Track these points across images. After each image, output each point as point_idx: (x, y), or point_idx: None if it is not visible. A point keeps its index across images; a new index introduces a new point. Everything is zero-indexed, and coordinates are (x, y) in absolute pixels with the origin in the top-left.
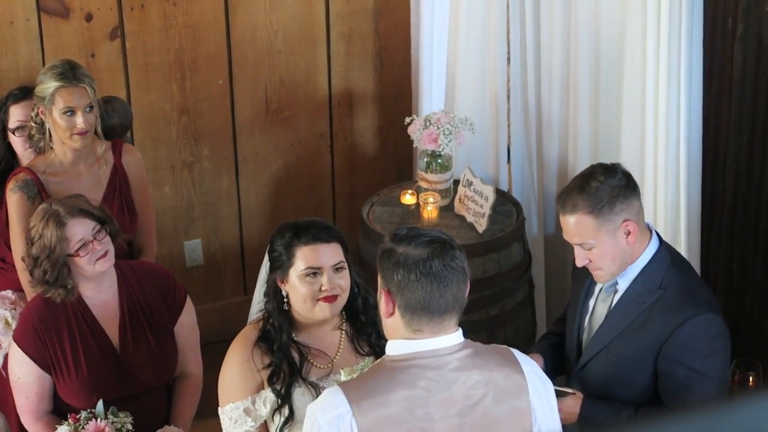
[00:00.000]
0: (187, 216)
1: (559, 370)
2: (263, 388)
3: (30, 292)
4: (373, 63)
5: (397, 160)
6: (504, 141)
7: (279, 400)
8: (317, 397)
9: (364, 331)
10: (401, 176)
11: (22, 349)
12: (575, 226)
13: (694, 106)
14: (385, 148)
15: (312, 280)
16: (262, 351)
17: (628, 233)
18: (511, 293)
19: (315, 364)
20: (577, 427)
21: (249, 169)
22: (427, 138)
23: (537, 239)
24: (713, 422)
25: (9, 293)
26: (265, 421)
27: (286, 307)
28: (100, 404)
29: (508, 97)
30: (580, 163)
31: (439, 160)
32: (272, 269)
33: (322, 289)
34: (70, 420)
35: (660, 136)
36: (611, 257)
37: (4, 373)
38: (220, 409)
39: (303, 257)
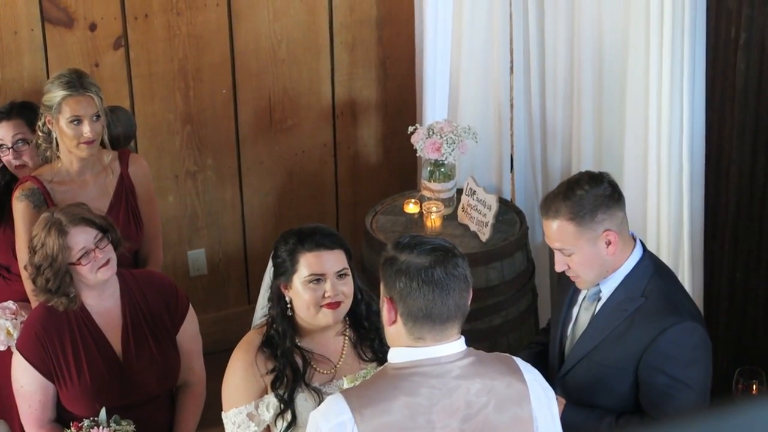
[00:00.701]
0: (191, 225)
1: None
2: (266, 393)
3: (34, 301)
4: (377, 72)
5: (401, 170)
6: (507, 150)
7: (282, 405)
8: (320, 402)
9: (367, 337)
10: (404, 185)
11: (25, 358)
12: (556, 231)
13: (697, 114)
14: (388, 157)
15: (315, 286)
16: (266, 356)
17: (609, 243)
18: (515, 302)
19: (318, 369)
20: None
21: (252, 179)
22: (430, 147)
23: (540, 248)
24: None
25: (10, 303)
26: (268, 426)
27: (289, 313)
28: (102, 412)
29: (511, 106)
30: None
31: (443, 169)
32: (276, 275)
33: (326, 295)
34: (72, 428)
35: (663, 145)
36: (590, 265)
37: None
38: (223, 414)
39: (306, 264)
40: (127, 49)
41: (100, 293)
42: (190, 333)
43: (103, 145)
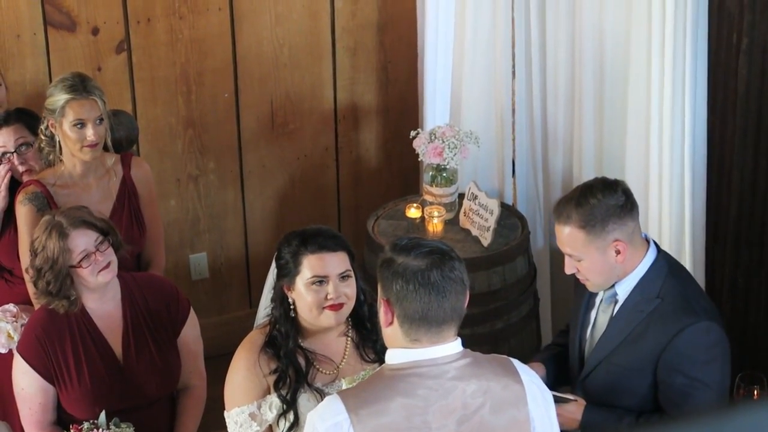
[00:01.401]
0: (193, 229)
1: (561, 380)
2: (269, 393)
3: (36, 304)
4: (379, 77)
5: (402, 174)
6: (509, 155)
7: (284, 406)
8: None
9: (370, 338)
10: (406, 190)
11: (26, 360)
12: (567, 237)
13: (699, 119)
14: (390, 161)
15: (318, 288)
16: (269, 356)
17: (618, 252)
18: (516, 307)
19: (321, 370)
20: None
21: (254, 183)
22: (432, 152)
23: (542, 253)
24: (715, 429)
25: (11, 306)
26: (270, 426)
27: (292, 314)
28: (102, 415)
29: (513, 110)
30: (585, 177)
31: (444, 174)
32: (279, 276)
33: (328, 297)
34: (72, 431)
35: (665, 150)
36: (598, 271)
37: None
38: (225, 413)
39: (309, 265)
40: (129, 53)
41: (101, 296)
42: (191, 336)
43: (105, 148)
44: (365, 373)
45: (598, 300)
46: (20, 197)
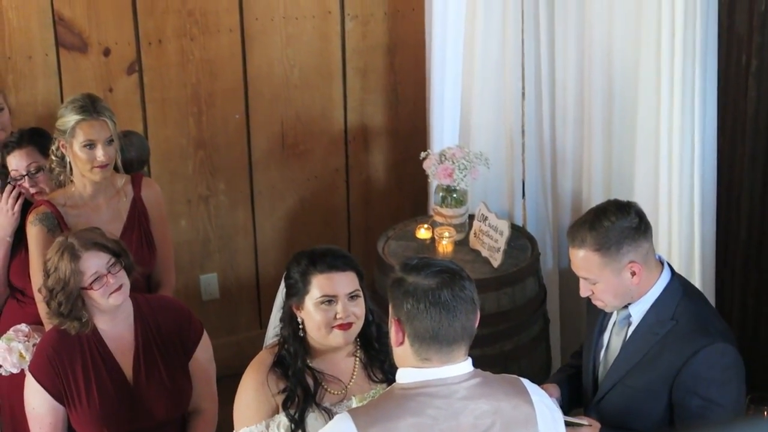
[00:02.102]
0: (203, 250)
1: (575, 402)
2: (277, 413)
3: (47, 324)
4: (389, 98)
5: (412, 195)
6: (519, 176)
7: (293, 425)
8: None
9: (378, 358)
10: (416, 211)
11: (37, 380)
12: (582, 260)
13: (708, 141)
14: (400, 182)
15: (327, 307)
16: (277, 376)
17: (633, 273)
18: (526, 328)
19: (329, 389)
20: None
21: (265, 203)
22: (442, 173)
23: (552, 274)
24: None
25: (23, 326)
26: None
27: (301, 334)
28: None
29: (523, 132)
30: (594, 198)
31: (454, 195)
32: (288, 296)
33: (337, 317)
34: None
35: (674, 172)
36: (613, 293)
37: None
38: None
39: (318, 285)
40: (140, 74)
41: (113, 317)
42: (203, 359)
43: (116, 169)
44: (375, 392)
45: (611, 323)
46: (31, 218)
